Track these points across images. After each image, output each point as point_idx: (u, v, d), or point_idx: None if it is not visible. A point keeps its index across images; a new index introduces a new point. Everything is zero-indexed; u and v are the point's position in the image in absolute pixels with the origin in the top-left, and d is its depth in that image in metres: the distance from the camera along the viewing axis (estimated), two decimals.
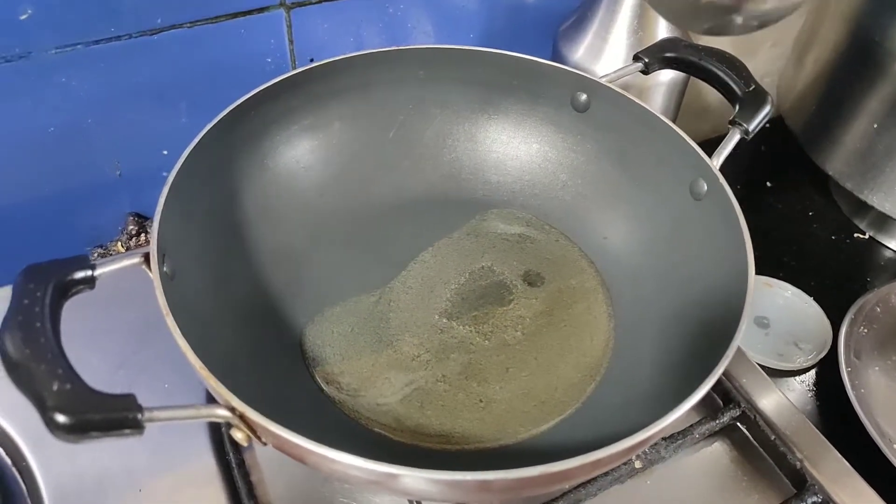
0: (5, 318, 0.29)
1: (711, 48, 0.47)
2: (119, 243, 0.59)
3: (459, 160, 0.53)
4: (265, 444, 0.32)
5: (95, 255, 0.58)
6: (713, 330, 0.38)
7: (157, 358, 0.49)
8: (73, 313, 0.51)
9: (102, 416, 0.28)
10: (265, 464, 0.44)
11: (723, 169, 0.43)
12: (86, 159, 0.54)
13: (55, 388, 0.27)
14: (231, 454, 0.44)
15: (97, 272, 0.33)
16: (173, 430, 0.45)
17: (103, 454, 0.44)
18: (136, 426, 0.28)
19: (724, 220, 0.41)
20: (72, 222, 0.57)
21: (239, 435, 0.31)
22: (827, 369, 0.58)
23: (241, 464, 0.43)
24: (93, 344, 0.49)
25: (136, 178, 0.56)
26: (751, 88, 0.44)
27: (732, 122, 0.44)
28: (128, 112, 0.53)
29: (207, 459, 0.44)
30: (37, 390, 0.27)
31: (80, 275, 0.33)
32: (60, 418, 0.27)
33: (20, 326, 0.29)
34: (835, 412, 0.55)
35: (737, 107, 0.44)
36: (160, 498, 0.43)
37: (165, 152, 0.56)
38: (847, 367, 0.54)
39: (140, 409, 0.28)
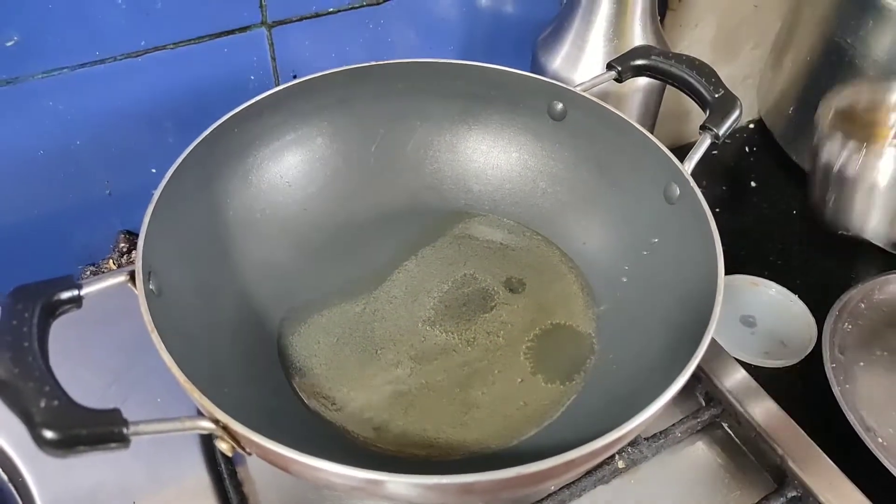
0: None
1: (682, 55, 0.48)
2: (111, 261, 0.60)
3: (441, 171, 0.54)
4: (249, 453, 0.33)
5: (87, 273, 0.59)
6: (689, 329, 0.39)
7: (149, 373, 0.49)
8: (67, 331, 0.52)
9: (89, 430, 0.29)
10: (257, 476, 0.45)
11: (695, 172, 0.44)
12: (75, 180, 0.55)
13: (42, 404, 0.28)
14: (223, 466, 0.44)
15: (83, 292, 0.34)
16: (166, 443, 0.46)
17: (98, 469, 0.45)
18: (122, 440, 0.29)
19: (696, 222, 0.42)
20: (64, 241, 0.58)
21: (224, 446, 0.32)
22: (812, 366, 0.58)
23: (233, 475, 0.44)
24: (86, 360, 0.50)
25: (125, 196, 0.58)
26: (720, 94, 0.45)
27: (703, 128, 0.45)
28: (115, 133, 0.54)
29: (200, 472, 0.45)
30: (25, 407, 0.28)
31: (66, 295, 0.34)
32: (48, 434, 0.28)
33: (9, 347, 0.30)
34: (820, 408, 0.55)
35: (707, 112, 0.45)
36: None
37: (154, 170, 0.57)
38: (832, 364, 0.55)
39: (125, 422, 0.29)
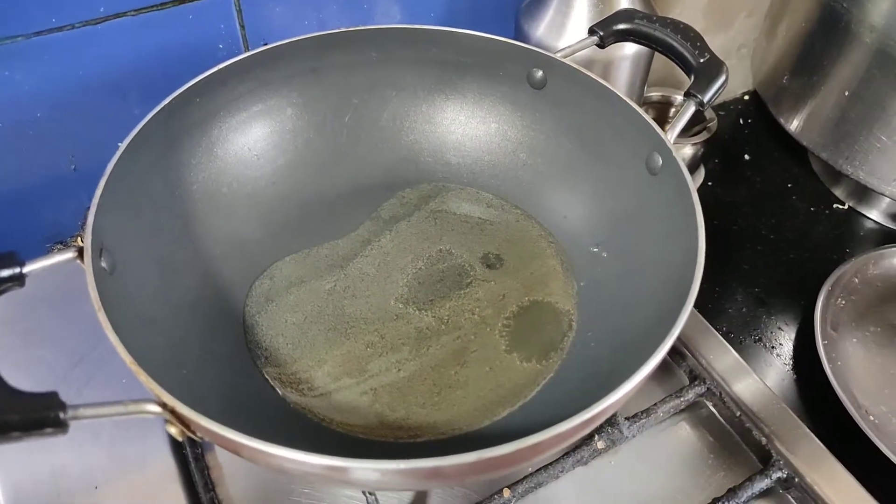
0: None
1: (667, 18, 0.46)
2: (79, 238, 0.57)
3: (417, 142, 0.52)
4: (200, 438, 0.31)
5: (56, 250, 0.57)
6: (669, 305, 0.37)
7: (115, 353, 0.48)
8: (32, 310, 0.51)
9: (22, 415, 0.27)
10: (224, 460, 0.44)
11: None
12: (39, 154, 0.53)
13: None
14: (188, 450, 0.43)
15: (27, 269, 0.33)
16: (130, 427, 0.45)
17: (59, 453, 0.44)
18: (59, 425, 0.27)
19: (678, 193, 0.40)
20: (30, 219, 0.56)
21: (173, 430, 0.31)
22: (804, 342, 0.57)
23: (199, 459, 0.43)
24: (50, 341, 0.49)
25: (92, 171, 0.55)
26: (705, 59, 0.43)
27: (687, 94, 0.43)
28: (78, 104, 0.52)
29: (165, 457, 0.44)
30: None
31: (5, 272, 0.32)
32: None
33: None
34: (812, 386, 0.54)
35: (692, 77, 0.43)
36: (117, 496, 0.42)
37: (120, 144, 0.55)
38: (823, 340, 0.53)
39: (63, 406, 0.28)
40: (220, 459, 0.44)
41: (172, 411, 0.30)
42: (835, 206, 0.70)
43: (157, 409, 0.30)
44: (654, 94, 0.71)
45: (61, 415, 0.27)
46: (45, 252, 0.57)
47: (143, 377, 0.30)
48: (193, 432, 0.31)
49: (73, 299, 0.49)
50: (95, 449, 0.44)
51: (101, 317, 0.32)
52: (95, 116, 0.53)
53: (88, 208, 0.58)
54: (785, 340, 0.58)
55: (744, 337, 0.58)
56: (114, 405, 0.29)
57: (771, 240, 0.66)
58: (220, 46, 0.54)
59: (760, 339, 0.58)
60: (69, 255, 0.34)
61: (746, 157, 0.75)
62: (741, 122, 0.79)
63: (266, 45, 0.55)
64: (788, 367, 0.56)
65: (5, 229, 0.55)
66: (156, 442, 0.44)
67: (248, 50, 0.55)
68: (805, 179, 0.72)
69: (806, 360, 0.56)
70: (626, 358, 0.40)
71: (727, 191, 0.71)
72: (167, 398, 0.30)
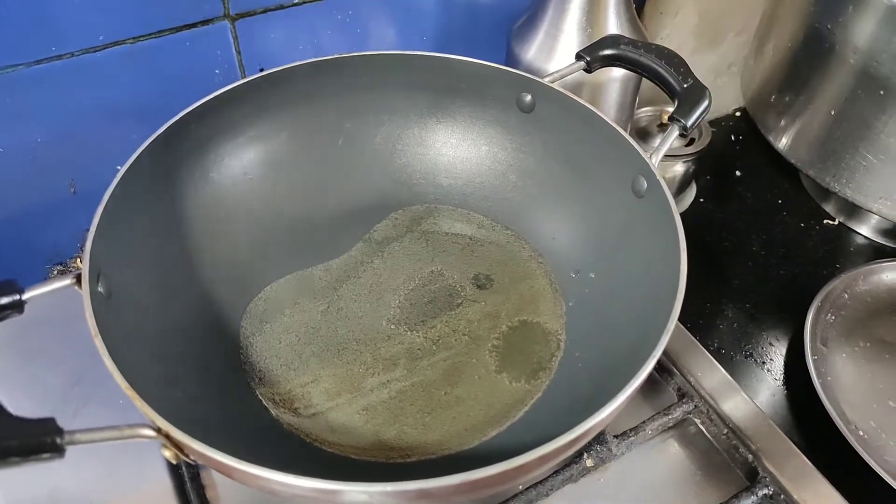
0: None
1: (651, 45, 0.47)
2: (78, 260, 0.59)
3: (410, 165, 0.53)
4: (194, 461, 0.32)
5: (55, 272, 0.59)
6: (654, 326, 0.38)
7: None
8: (30, 333, 0.51)
9: (20, 441, 0.28)
10: (220, 479, 0.44)
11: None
12: (39, 179, 0.54)
13: None
14: (184, 470, 0.44)
15: (26, 296, 0.34)
16: (127, 447, 0.45)
17: (57, 472, 0.44)
18: (56, 450, 0.28)
19: (663, 216, 0.41)
20: (30, 241, 0.57)
21: (167, 454, 0.32)
22: (794, 358, 0.57)
23: (196, 478, 0.44)
24: (48, 361, 0.50)
25: (91, 195, 0.56)
26: (688, 84, 0.44)
27: (671, 118, 0.44)
28: (77, 130, 0.53)
29: (161, 476, 0.44)
30: None
31: (5, 300, 0.33)
32: None
33: None
34: (802, 401, 0.55)
35: (675, 102, 0.44)
36: None
37: (118, 168, 0.56)
38: (813, 356, 0.54)
39: (60, 432, 0.28)
40: (216, 479, 0.44)
41: (167, 436, 0.31)
42: (825, 221, 0.71)
43: (152, 433, 0.31)
44: (645, 113, 0.72)
45: (58, 440, 0.28)
46: (45, 273, 0.58)
47: (139, 402, 0.31)
48: (187, 456, 0.32)
49: (72, 321, 0.49)
50: (93, 468, 0.44)
51: (98, 342, 0.33)
52: (94, 141, 0.54)
53: (87, 230, 0.59)
54: (776, 356, 0.58)
55: (735, 353, 0.59)
56: (110, 430, 0.30)
57: (762, 255, 0.67)
58: (217, 72, 0.55)
59: (751, 355, 0.59)
60: (67, 281, 0.35)
61: (738, 173, 0.76)
62: (732, 138, 0.80)
63: (262, 70, 0.56)
64: (779, 383, 0.56)
65: (5, 251, 0.56)
66: (152, 461, 0.45)
67: (245, 75, 0.57)
68: (795, 196, 0.73)
69: (796, 375, 0.56)
70: (612, 378, 0.40)
71: (718, 207, 0.72)
72: (161, 423, 0.30)
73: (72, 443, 0.29)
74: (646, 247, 0.43)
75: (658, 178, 0.41)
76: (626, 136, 0.44)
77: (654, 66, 0.46)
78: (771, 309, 0.62)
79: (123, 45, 0.50)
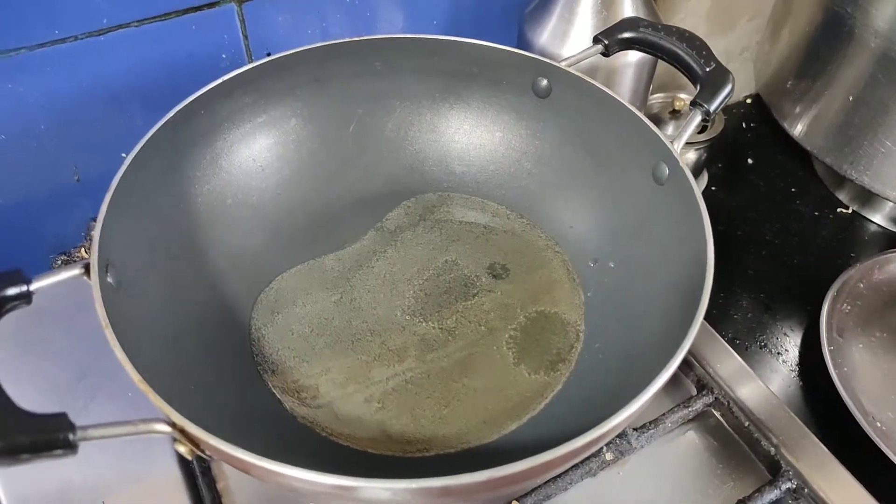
0: None
1: (672, 27, 0.46)
2: (83, 249, 0.58)
3: (422, 152, 0.52)
4: (210, 457, 0.31)
5: (60, 262, 0.57)
6: (678, 316, 0.37)
7: (120, 367, 0.48)
8: (37, 324, 0.50)
9: (32, 437, 0.27)
10: (231, 472, 0.43)
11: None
12: (42, 166, 0.53)
13: None
14: (195, 463, 0.43)
15: (34, 286, 0.33)
16: (137, 440, 0.44)
17: (66, 467, 0.42)
18: (69, 447, 0.27)
19: (686, 204, 0.40)
20: (34, 230, 0.56)
21: (182, 449, 0.31)
22: (809, 349, 0.57)
23: (206, 472, 0.43)
24: (56, 355, 0.49)
25: (95, 182, 0.55)
26: (711, 67, 0.43)
27: (693, 103, 0.42)
28: (80, 116, 0.51)
29: (171, 470, 0.44)
30: None
31: (13, 291, 0.32)
32: None
33: None
34: (818, 392, 0.54)
35: (697, 87, 0.43)
36: None
37: (123, 155, 0.54)
38: (829, 346, 0.53)
39: (72, 427, 0.27)
40: (227, 472, 0.43)
41: (182, 430, 0.30)
42: (839, 210, 0.70)
43: (166, 428, 0.30)
44: (657, 100, 0.70)
45: (70, 436, 0.27)
46: (49, 264, 0.57)
47: (152, 395, 0.30)
48: (202, 451, 0.31)
49: (78, 313, 0.49)
50: (102, 463, 0.43)
51: (109, 334, 0.32)
52: (99, 127, 0.53)
53: (93, 219, 0.58)
54: (791, 346, 0.58)
55: (749, 343, 0.58)
56: (123, 425, 0.29)
57: (775, 244, 0.66)
58: (224, 56, 0.54)
59: (766, 346, 0.58)
60: (76, 271, 0.34)
61: (750, 161, 0.75)
62: (744, 125, 0.79)
63: (269, 55, 0.55)
64: (794, 374, 0.56)
65: (9, 241, 0.55)
66: (162, 455, 0.44)
67: (252, 60, 0.55)
68: (809, 184, 0.72)
69: (812, 366, 0.56)
70: (634, 370, 0.40)
71: (731, 195, 0.71)
72: (176, 417, 0.29)
73: (84, 439, 0.28)
74: (667, 235, 0.42)
75: (682, 164, 0.40)
76: (647, 121, 0.43)
77: (674, 49, 0.45)
78: (785, 298, 0.61)
79: (128, 28, 0.49)
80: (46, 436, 0.27)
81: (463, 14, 0.63)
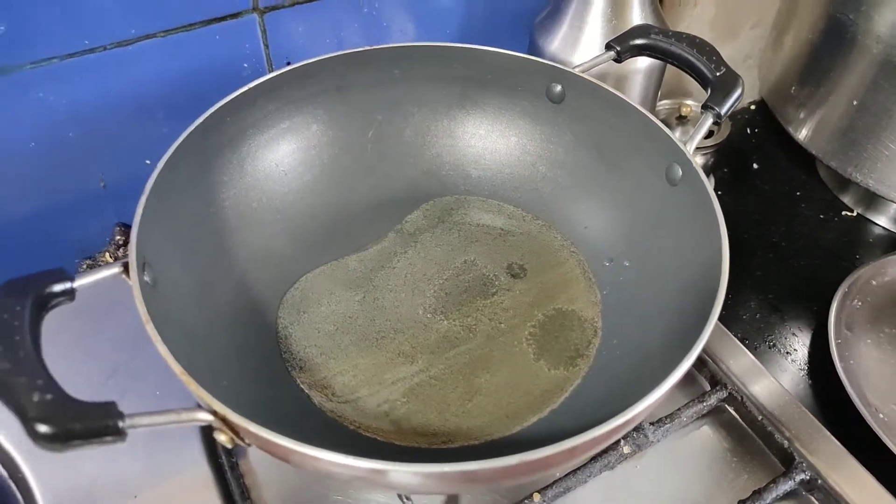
0: None
1: (682, 34, 0.47)
2: (107, 253, 0.59)
3: (439, 156, 0.54)
4: (249, 445, 0.32)
5: (84, 266, 0.59)
6: (692, 314, 0.38)
7: (148, 365, 0.49)
8: (64, 323, 0.52)
9: (84, 424, 0.28)
10: (258, 467, 0.44)
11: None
12: (69, 172, 0.54)
13: (36, 399, 0.28)
14: (224, 458, 0.44)
15: (76, 284, 0.34)
16: (166, 437, 0.46)
17: (98, 463, 0.44)
18: (118, 433, 0.29)
19: (699, 204, 0.41)
20: (59, 235, 0.57)
21: (223, 437, 0.32)
22: (818, 347, 0.58)
23: (235, 467, 0.44)
24: (84, 353, 0.50)
25: (120, 188, 0.57)
26: (721, 72, 0.44)
27: (705, 107, 0.44)
28: (108, 124, 0.53)
29: (201, 465, 0.45)
30: (19, 402, 0.28)
31: (58, 287, 0.33)
32: (42, 428, 0.27)
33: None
34: (826, 388, 0.55)
35: (708, 91, 0.44)
36: None
37: (148, 161, 0.56)
38: (837, 339, 0.54)
39: (121, 415, 0.29)
40: (255, 467, 0.44)
41: (223, 419, 0.31)
42: (843, 213, 0.71)
43: (208, 417, 0.31)
44: (664, 106, 0.72)
45: (120, 423, 0.28)
46: (75, 268, 0.59)
47: (194, 387, 0.31)
48: (242, 439, 0.32)
49: (106, 312, 0.50)
50: (132, 458, 0.44)
51: (150, 329, 0.33)
52: (124, 135, 0.54)
53: (117, 224, 0.59)
54: (799, 345, 0.59)
55: (758, 343, 0.59)
56: (168, 414, 0.30)
57: (782, 247, 0.67)
58: (245, 65, 0.55)
59: (775, 345, 0.59)
60: (115, 269, 0.35)
61: (755, 166, 0.76)
62: (748, 131, 0.80)
63: (289, 63, 0.57)
64: (803, 372, 0.57)
65: (35, 246, 0.57)
66: (191, 450, 0.45)
67: (272, 68, 0.57)
68: (813, 187, 0.73)
69: (820, 363, 0.57)
70: (651, 366, 0.41)
71: (736, 199, 0.72)
72: (218, 407, 0.31)
73: (132, 426, 0.29)
74: (681, 234, 0.44)
75: (695, 165, 0.42)
76: (661, 124, 0.44)
77: (685, 54, 0.46)
78: (792, 299, 0.62)
79: (154, 39, 0.51)
80: (97, 423, 0.28)
81: (474, 23, 0.65)
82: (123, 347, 0.49)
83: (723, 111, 0.43)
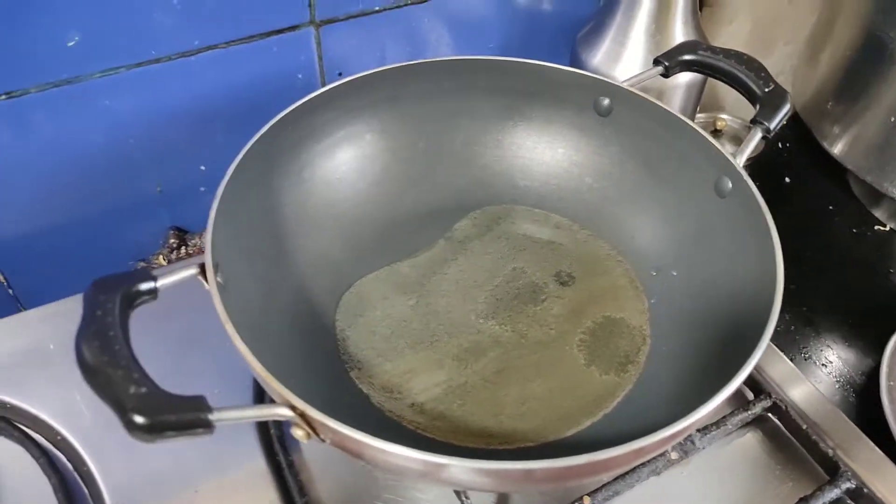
0: (80, 329, 0.31)
1: (730, 50, 0.48)
2: (161, 256, 0.61)
3: (488, 167, 0.55)
4: (324, 440, 0.33)
5: (139, 267, 0.61)
6: (743, 326, 0.40)
7: (202, 366, 0.50)
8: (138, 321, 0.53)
9: (177, 416, 0.29)
10: (313, 463, 0.46)
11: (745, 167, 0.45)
12: (128, 177, 0.56)
13: (132, 391, 0.29)
14: (280, 455, 0.45)
15: (159, 283, 0.35)
16: (224, 433, 0.47)
17: (159, 458, 0.46)
18: (207, 426, 0.30)
19: (750, 216, 0.42)
20: (116, 238, 0.59)
21: (299, 433, 0.33)
22: (854, 363, 0.58)
23: (291, 464, 0.45)
24: (138, 356, 0.51)
25: (175, 194, 0.59)
26: (770, 88, 0.45)
27: (754, 122, 0.45)
28: (167, 131, 0.55)
29: (258, 460, 0.46)
30: (116, 394, 0.29)
31: (144, 286, 0.34)
32: (139, 419, 0.29)
33: (96, 335, 0.31)
34: (865, 403, 0.55)
35: (757, 106, 0.46)
36: (216, 498, 0.44)
37: (203, 168, 0.58)
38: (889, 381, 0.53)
39: (210, 409, 0.30)
40: (310, 464, 0.46)
41: (302, 415, 0.32)
42: (876, 227, 0.72)
43: (289, 412, 0.32)
44: (699, 120, 0.73)
45: (210, 417, 0.30)
46: (127, 270, 0.60)
47: (275, 384, 0.33)
48: (318, 434, 0.33)
49: (158, 316, 0.52)
50: (193, 454, 0.46)
51: (230, 329, 0.35)
52: (182, 143, 0.56)
53: (170, 228, 0.61)
54: (834, 357, 0.59)
55: (794, 354, 0.59)
56: (252, 408, 0.32)
57: (815, 261, 0.68)
58: (299, 76, 0.57)
59: (810, 357, 0.60)
60: (193, 270, 0.37)
61: (787, 180, 0.77)
62: (780, 146, 0.81)
63: (340, 74, 0.59)
64: (839, 384, 0.57)
65: (92, 249, 0.58)
66: (248, 446, 0.47)
67: (325, 79, 0.59)
68: (846, 202, 0.74)
69: (858, 377, 0.57)
70: (702, 374, 0.42)
71: (770, 213, 0.73)
72: (298, 403, 0.32)
73: (220, 420, 0.30)
74: (730, 246, 0.45)
75: (746, 178, 0.43)
76: (710, 137, 0.46)
77: (734, 70, 0.47)
78: (826, 312, 0.63)
79: (216, 50, 0.53)
80: (189, 416, 0.30)
81: (515, 38, 0.67)
82: (177, 350, 0.51)
83: (772, 126, 0.45)
